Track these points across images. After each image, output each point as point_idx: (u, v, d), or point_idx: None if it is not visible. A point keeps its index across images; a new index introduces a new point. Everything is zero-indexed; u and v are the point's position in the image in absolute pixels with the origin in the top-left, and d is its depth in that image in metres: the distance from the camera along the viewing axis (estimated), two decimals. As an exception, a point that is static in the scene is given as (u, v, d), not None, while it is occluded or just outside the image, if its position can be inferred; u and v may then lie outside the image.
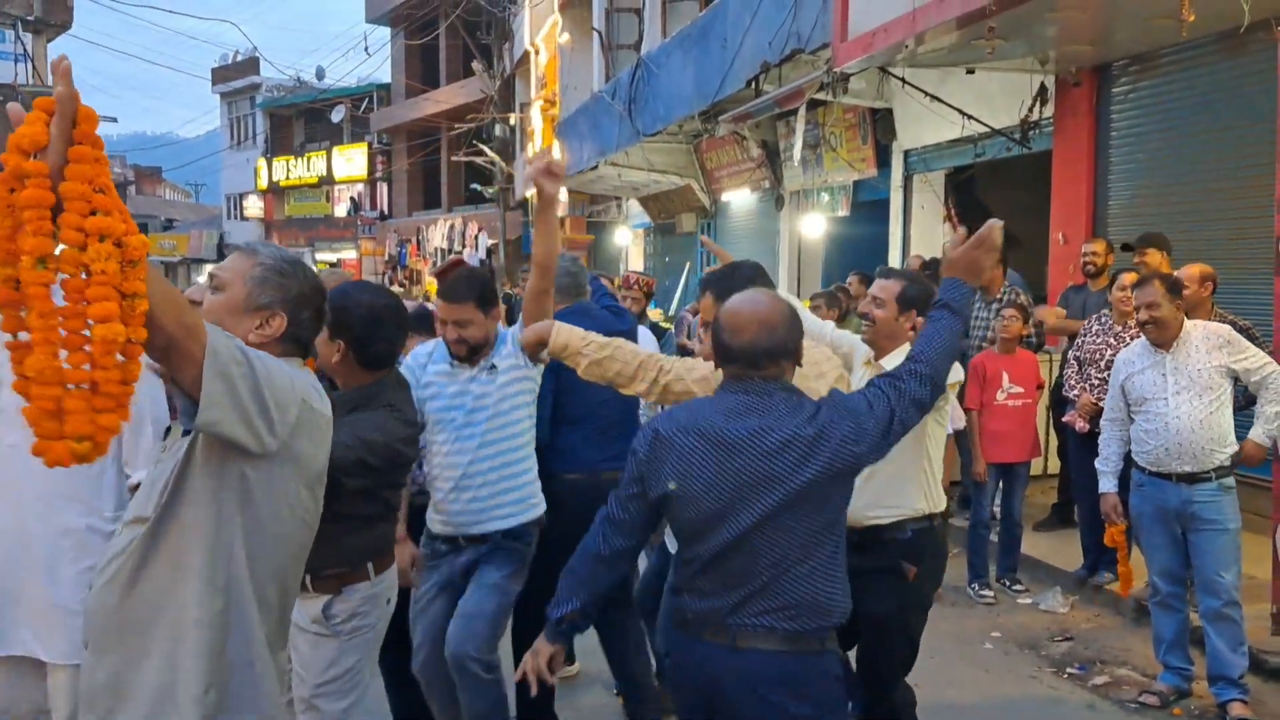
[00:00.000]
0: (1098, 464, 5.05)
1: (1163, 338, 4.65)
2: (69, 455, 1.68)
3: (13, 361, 1.71)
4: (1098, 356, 6.14)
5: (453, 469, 3.69)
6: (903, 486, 3.47)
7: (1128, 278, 6.06)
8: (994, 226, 2.69)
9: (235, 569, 2.13)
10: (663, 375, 3.10)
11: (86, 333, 1.67)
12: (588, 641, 4.38)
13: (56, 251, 1.66)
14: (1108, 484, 4.97)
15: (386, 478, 3.08)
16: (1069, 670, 5.33)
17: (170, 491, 2.07)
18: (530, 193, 20.58)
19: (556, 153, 4.13)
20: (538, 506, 3.85)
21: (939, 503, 3.58)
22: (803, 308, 3.88)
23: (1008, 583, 6.53)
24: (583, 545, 2.71)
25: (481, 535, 3.71)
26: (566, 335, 3.14)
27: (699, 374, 3.07)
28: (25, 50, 22.03)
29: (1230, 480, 4.63)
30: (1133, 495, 4.87)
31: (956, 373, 3.39)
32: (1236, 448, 4.65)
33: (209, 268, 2.09)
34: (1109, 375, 6.03)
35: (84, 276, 1.66)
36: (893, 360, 3.52)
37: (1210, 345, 4.62)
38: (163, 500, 2.07)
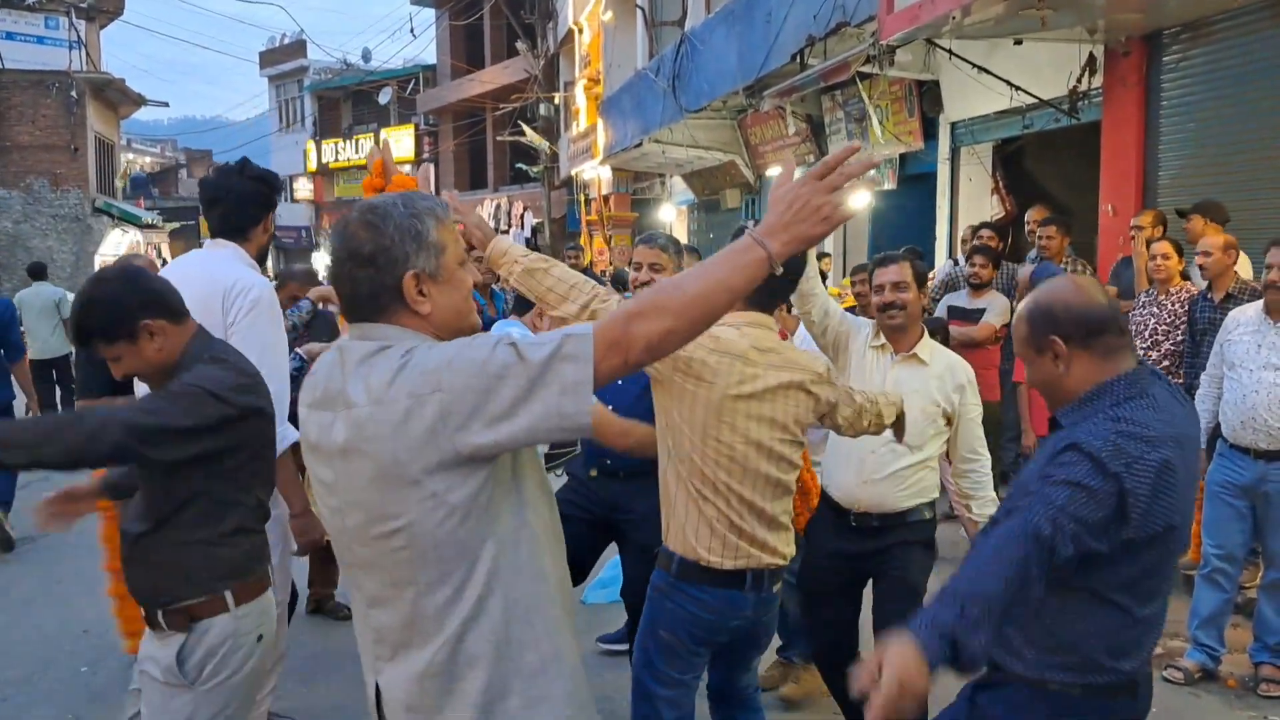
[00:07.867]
0: None
1: (1278, 305, 4.55)
2: None
3: None
4: (1142, 328, 6.07)
5: None
6: (929, 475, 3.79)
7: (1159, 247, 5.99)
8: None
9: None
10: (597, 302, 2.87)
11: None
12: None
13: None
14: None
15: (220, 442, 2.44)
16: (1118, 643, 5.30)
17: None
18: (576, 170, 20.62)
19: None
20: None
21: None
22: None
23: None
24: (1000, 573, 2.05)
25: None
26: (507, 243, 3.02)
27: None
28: (79, 37, 22.39)
29: None
30: (1212, 462, 4.82)
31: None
32: None
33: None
34: (1152, 346, 5.98)
35: None
36: (924, 348, 3.78)
37: None
38: None
